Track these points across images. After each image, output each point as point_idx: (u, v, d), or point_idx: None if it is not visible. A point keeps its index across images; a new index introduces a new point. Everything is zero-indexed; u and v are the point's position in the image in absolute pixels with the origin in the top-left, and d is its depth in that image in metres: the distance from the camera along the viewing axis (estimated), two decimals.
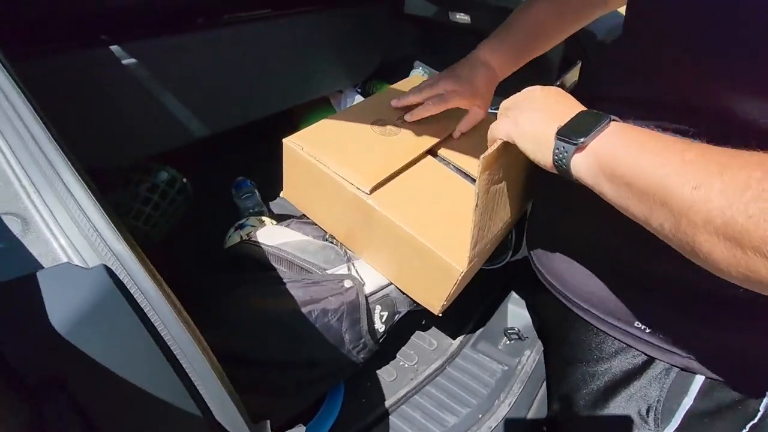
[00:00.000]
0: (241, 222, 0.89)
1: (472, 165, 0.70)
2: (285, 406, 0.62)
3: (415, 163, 0.68)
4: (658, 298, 0.48)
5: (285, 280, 0.62)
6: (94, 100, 0.75)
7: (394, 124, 0.71)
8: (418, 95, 0.70)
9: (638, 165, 0.33)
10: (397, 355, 0.79)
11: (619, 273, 0.51)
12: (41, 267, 0.28)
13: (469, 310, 0.89)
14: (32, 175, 0.30)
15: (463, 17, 1.17)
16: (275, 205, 1.13)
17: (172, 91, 0.87)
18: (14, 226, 0.29)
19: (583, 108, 0.40)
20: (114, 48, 0.72)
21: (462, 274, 0.56)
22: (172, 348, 0.29)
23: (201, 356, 0.29)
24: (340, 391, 0.70)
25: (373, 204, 0.59)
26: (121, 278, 0.29)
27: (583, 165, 0.37)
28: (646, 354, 0.52)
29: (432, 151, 0.72)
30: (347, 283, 0.64)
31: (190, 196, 1.00)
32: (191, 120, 0.92)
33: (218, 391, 0.30)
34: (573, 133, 0.37)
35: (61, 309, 0.26)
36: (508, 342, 0.87)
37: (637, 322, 0.51)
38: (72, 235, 0.29)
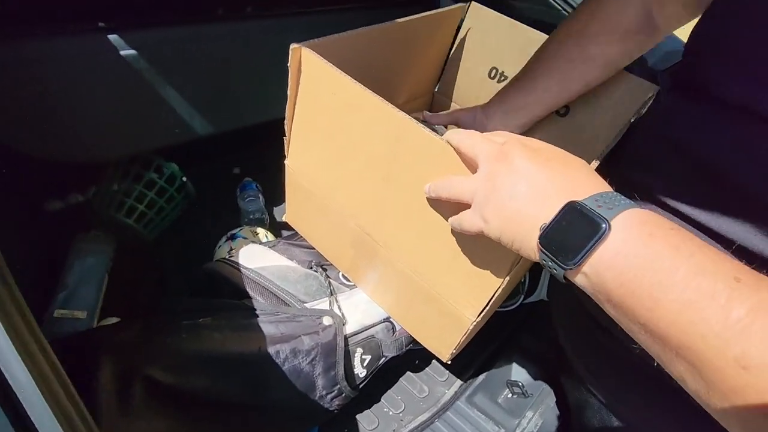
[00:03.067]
0: (233, 232, 0.83)
1: None
2: None
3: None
4: None
5: (257, 312, 0.55)
6: (97, 88, 0.71)
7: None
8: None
9: (654, 304, 0.24)
10: (382, 399, 0.71)
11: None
12: None
13: (470, 355, 0.80)
14: None
15: None
16: (278, 212, 1.07)
17: (181, 83, 0.82)
18: None
19: (583, 185, 0.29)
20: (121, 34, 0.67)
21: (474, 324, 0.48)
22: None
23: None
24: None
25: (376, 241, 0.51)
26: None
27: (581, 282, 0.28)
28: None
29: None
30: (326, 321, 0.57)
31: (191, 194, 0.95)
32: (201, 115, 0.87)
33: None
34: (560, 250, 0.27)
35: None
36: (509, 396, 0.77)
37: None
38: None
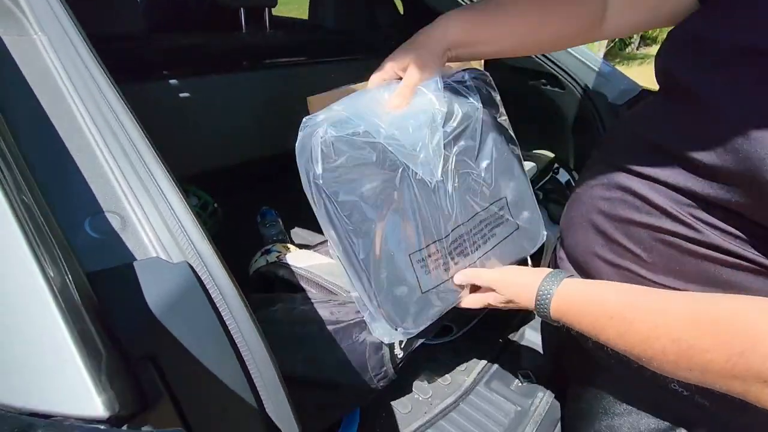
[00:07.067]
0: (267, 248, 0.92)
1: None
2: (304, 428, 0.63)
3: None
4: None
5: (313, 301, 0.65)
6: (157, 121, 0.83)
7: None
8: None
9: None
10: (412, 388, 0.80)
11: None
12: (134, 258, 0.32)
13: (484, 347, 0.91)
14: (131, 180, 0.35)
15: None
16: (295, 235, 1.17)
17: (213, 120, 0.95)
18: (114, 222, 0.33)
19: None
20: (172, 81, 0.81)
21: None
22: (237, 341, 0.33)
23: (265, 354, 0.33)
24: (355, 419, 0.71)
25: None
26: (200, 275, 0.33)
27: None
28: (676, 417, 0.52)
29: None
30: None
31: (220, 220, 1.05)
32: (229, 146, 1.00)
33: (274, 387, 0.33)
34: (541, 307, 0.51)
35: (154, 295, 0.30)
36: (520, 384, 0.87)
37: (674, 384, 0.49)
38: (161, 233, 0.34)
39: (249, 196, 1.23)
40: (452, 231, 0.57)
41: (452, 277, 0.59)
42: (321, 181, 0.46)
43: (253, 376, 0.33)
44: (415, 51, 0.53)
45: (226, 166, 1.03)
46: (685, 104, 0.45)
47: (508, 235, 0.63)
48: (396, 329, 0.53)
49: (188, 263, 0.33)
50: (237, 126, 1.01)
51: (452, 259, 0.58)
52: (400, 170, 0.51)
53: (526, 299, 0.53)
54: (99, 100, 0.38)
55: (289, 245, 0.98)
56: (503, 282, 0.56)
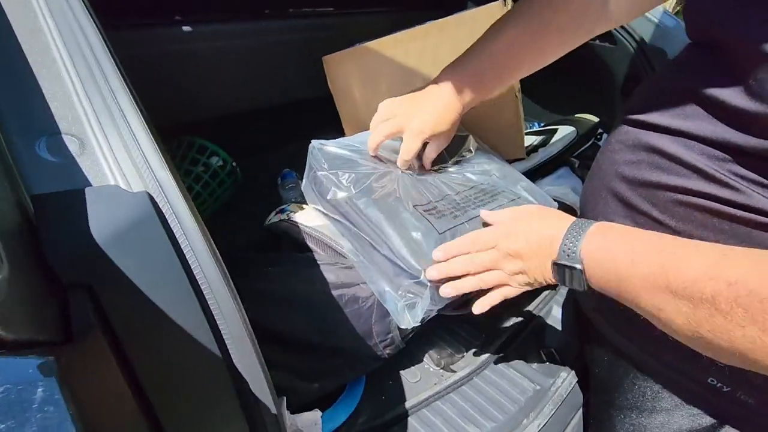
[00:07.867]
0: (282, 207, 0.90)
1: None
2: (304, 390, 0.61)
3: None
4: None
5: (319, 262, 0.61)
6: (169, 65, 0.82)
7: None
8: (378, 137, 0.63)
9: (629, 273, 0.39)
10: (423, 358, 0.76)
11: None
12: (91, 185, 0.29)
13: (505, 322, 0.85)
14: (94, 103, 0.32)
15: None
16: None
17: (230, 68, 0.94)
18: (72, 145, 0.30)
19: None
20: (192, 26, 0.78)
21: None
22: (199, 281, 0.29)
23: (228, 296, 0.29)
24: (360, 384, 0.68)
25: None
26: (161, 207, 0.30)
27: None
28: (715, 416, 0.45)
29: None
30: None
31: (239, 180, 1.03)
32: (246, 94, 0.99)
33: (240, 333, 0.30)
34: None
35: (102, 222, 0.27)
36: (542, 362, 0.81)
37: (711, 379, 0.44)
38: (122, 161, 0.31)
39: (270, 158, 1.21)
40: (446, 196, 0.63)
41: (468, 221, 0.59)
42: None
43: (217, 320, 0.30)
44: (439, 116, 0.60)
45: (242, 113, 1.02)
46: (727, 50, 0.38)
47: (510, 201, 0.66)
48: (422, 278, 0.54)
49: (148, 194, 0.29)
50: (254, 75, 0.99)
51: (460, 210, 0.61)
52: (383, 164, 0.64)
53: (555, 226, 0.46)
54: (71, 23, 0.35)
55: (304, 206, 0.96)
56: (521, 215, 0.53)
